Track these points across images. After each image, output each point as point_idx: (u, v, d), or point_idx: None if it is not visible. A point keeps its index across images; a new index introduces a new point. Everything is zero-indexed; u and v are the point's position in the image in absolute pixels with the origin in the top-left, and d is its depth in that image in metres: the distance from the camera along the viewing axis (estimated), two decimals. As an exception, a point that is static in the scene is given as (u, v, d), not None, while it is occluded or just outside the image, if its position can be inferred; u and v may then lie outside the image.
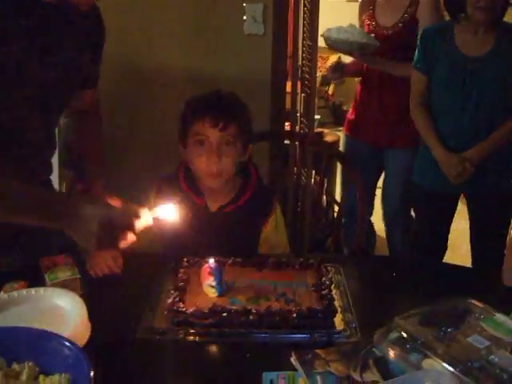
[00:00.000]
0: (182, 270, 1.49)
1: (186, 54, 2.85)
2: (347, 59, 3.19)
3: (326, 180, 3.69)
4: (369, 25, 2.87)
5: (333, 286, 1.46)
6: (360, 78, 3.05)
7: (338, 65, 2.98)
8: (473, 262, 2.63)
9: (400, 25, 2.74)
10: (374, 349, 1.20)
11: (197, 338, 1.30)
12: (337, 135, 4.37)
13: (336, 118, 7.75)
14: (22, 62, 1.46)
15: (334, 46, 2.73)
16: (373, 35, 2.66)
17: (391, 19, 2.78)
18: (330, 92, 7.35)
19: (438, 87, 2.43)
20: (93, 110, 1.83)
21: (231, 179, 1.76)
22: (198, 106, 1.72)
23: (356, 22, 2.96)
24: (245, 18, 2.78)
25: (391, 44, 2.75)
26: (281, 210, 1.88)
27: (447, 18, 2.50)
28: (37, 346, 1.07)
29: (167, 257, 1.66)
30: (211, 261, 1.42)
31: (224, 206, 1.77)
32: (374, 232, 3.96)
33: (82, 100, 1.74)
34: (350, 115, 3.09)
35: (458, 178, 2.40)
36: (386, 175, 3.02)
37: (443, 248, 2.72)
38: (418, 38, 2.53)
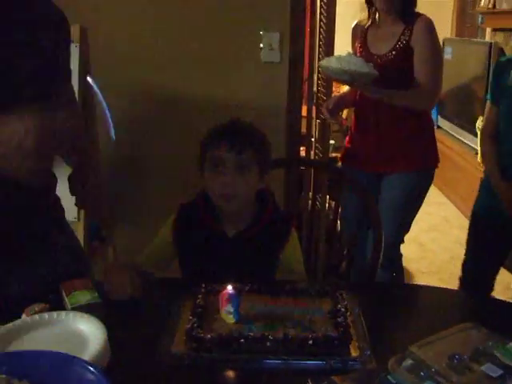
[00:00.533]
0: (200, 296, 1.52)
1: (205, 81, 2.91)
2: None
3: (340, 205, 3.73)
4: (361, 52, 2.83)
5: (348, 313, 1.48)
6: (354, 108, 3.00)
7: (335, 106, 2.82)
8: None
9: (394, 53, 2.69)
10: (388, 376, 1.22)
11: (214, 364, 1.33)
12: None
13: (350, 142, 7.80)
14: None
15: (333, 75, 2.63)
16: (371, 64, 2.60)
17: (384, 47, 2.73)
18: (344, 116, 7.40)
19: (503, 117, 2.44)
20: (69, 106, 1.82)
21: (248, 205, 1.80)
22: (216, 132, 1.77)
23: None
24: (262, 45, 2.84)
25: (384, 72, 2.66)
26: (297, 236, 1.90)
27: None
28: (61, 369, 1.10)
29: (186, 282, 1.69)
30: (229, 287, 1.44)
31: (241, 232, 1.80)
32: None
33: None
34: (347, 144, 3.03)
35: None
36: (379, 203, 2.84)
37: (491, 284, 2.68)
38: (492, 69, 2.56)
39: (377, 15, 2.83)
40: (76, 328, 1.39)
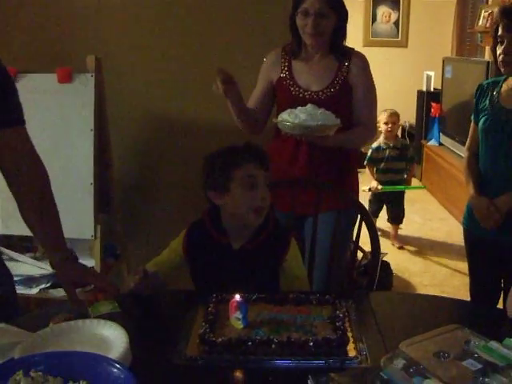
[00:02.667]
0: (211, 305, 1.66)
1: (211, 107, 3.05)
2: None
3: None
4: (287, 85, 2.62)
5: (346, 318, 1.62)
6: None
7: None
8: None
9: (332, 90, 2.56)
10: (381, 373, 1.35)
11: (225, 365, 1.47)
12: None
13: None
14: None
15: (296, 132, 2.40)
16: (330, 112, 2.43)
17: (318, 83, 2.58)
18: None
19: (480, 136, 2.54)
20: (27, 152, 1.78)
21: None
22: (244, 151, 1.94)
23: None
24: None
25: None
26: (297, 246, 2.05)
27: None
28: (90, 367, 1.25)
29: (198, 293, 1.85)
30: (237, 296, 1.59)
31: (246, 244, 1.96)
32: (391, 271, 4.12)
33: (9, 140, 1.73)
34: None
35: (486, 222, 2.47)
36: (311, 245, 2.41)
37: (498, 293, 2.64)
38: (474, 92, 2.58)
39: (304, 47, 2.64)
40: (100, 334, 1.53)
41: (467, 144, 2.67)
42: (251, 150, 1.95)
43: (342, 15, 2.53)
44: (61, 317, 1.65)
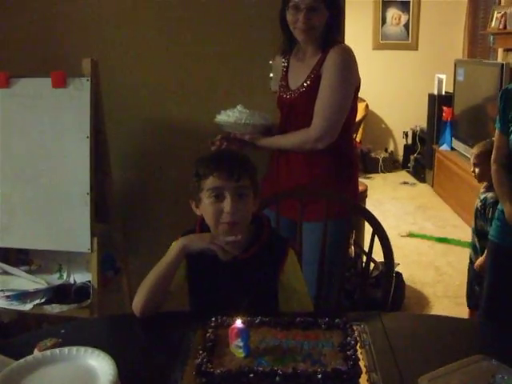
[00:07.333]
0: (210, 331, 1.52)
1: (215, 109, 2.94)
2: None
3: (353, 231, 3.72)
4: (280, 86, 2.61)
5: (358, 345, 1.48)
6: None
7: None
8: None
9: (305, 84, 2.47)
10: (398, 411, 1.22)
11: (224, 399, 1.33)
12: (364, 184, 4.41)
13: (364, 165, 7.83)
14: None
15: (233, 130, 2.53)
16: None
17: (298, 81, 2.51)
18: (358, 139, 7.43)
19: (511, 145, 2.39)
20: None
21: (246, 229, 1.81)
22: (212, 161, 1.79)
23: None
24: (271, 75, 2.86)
25: (295, 107, 2.51)
26: (296, 257, 1.91)
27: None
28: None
29: (195, 317, 1.70)
30: (238, 322, 1.45)
31: (239, 255, 1.80)
32: (403, 282, 3.97)
33: None
34: (267, 187, 2.60)
35: None
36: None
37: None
38: (498, 97, 2.41)
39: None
40: (87, 364, 1.40)
41: (493, 156, 2.49)
42: (220, 159, 1.82)
43: (335, 10, 2.45)
44: (48, 342, 1.53)
